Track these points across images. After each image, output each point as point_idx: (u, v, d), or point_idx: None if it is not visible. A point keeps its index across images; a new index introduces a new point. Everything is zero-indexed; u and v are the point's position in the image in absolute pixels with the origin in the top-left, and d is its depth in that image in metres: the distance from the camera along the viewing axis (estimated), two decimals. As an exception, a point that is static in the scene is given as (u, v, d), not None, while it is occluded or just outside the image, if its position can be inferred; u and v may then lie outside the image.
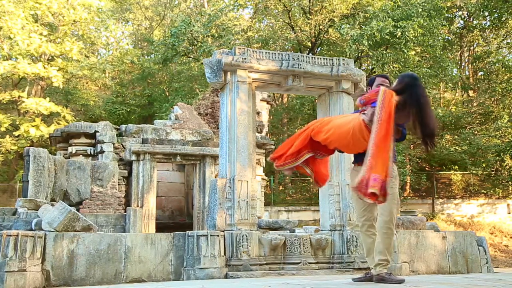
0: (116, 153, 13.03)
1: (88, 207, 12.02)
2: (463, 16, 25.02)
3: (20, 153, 19.30)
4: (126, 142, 13.17)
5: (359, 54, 19.24)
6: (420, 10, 17.49)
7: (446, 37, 23.31)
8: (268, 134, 20.17)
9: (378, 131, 3.77)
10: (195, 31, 22.26)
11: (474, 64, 25.53)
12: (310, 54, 21.15)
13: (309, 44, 23.64)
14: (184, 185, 15.40)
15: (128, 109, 26.79)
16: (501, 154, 20.63)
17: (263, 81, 7.70)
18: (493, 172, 21.86)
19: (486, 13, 22.59)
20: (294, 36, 22.95)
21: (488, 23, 23.60)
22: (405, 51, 17.44)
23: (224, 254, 6.73)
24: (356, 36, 17.49)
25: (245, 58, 7.31)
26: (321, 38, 22.84)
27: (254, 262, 6.77)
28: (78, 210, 11.28)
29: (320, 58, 7.88)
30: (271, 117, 22.78)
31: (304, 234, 7.56)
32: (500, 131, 21.73)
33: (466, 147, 21.44)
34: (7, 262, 5.49)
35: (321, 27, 21.99)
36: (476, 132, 22.35)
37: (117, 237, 6.44)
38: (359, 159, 4.16)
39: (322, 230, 7.85)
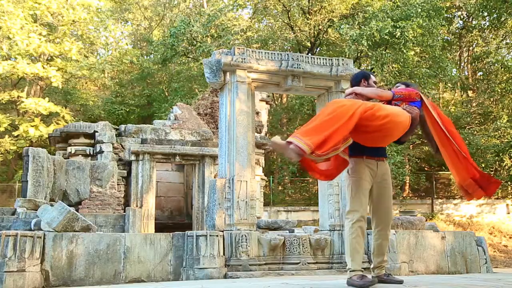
0: (115, 153, 13.03)
1: (87, 207, 12.02)
2: (462, 17, 25.03)
3: (19, 153, 19.29)
4: (125, 142, 13.16)
5: (359, 54, 19.25)
6: (419, 10, 17.50)
7: (445, 37, 23.34)
8: (268, 134, 20.16)
9: (455, 135, 3.97)
10: (194, 31, 22.27)
11: (473, 64, 25.55)
12: (310, 54, 21.16)
13: (309, 44, 23.65)
14: (183, 185, 15.40)
15: (127, 109, 26.79)
16: (500, 154, 20.63)
17: (262, 81, 7.70)
18: (492, 172, 21.85)
19: (485, 14, 22.59)
20: (294, 36, 22.96)
21: (487, 24, 23.60)
22: (404, 51, 17.45)
23: (223, 254, 6.73)
24: (356, 36, 17.49)
25: (244, 58, 7.30)
26: (321, 38, 22.84)
27: (253, 262, 6.77)
28: (77, 210, 11.27)
29: (320, 58, 7.88)
30: (270, 117, 22.79)
31: (304, 234, 7.56)
32: (499, 131, 21.73)
33: (465, 147, 21.41)
34: (6, 262, 5.48)
35: (320, 27, 22.00)
36: (475, 132, 22.34)
37: (116, 237, 6.44)
38: (372, 152, 4.04)
39: (321, 230, 7.85)
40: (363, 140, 3.93)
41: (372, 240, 4.15)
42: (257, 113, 15.17)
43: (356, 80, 4.29)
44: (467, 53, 26.56)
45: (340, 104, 3.78)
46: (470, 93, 25.83)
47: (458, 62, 26.17)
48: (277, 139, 3.65)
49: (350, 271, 3.88)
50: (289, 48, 23.66)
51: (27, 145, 18.46)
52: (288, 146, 3.48)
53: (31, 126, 19.18)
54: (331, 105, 3.82)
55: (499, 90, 22.67)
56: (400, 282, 3.97)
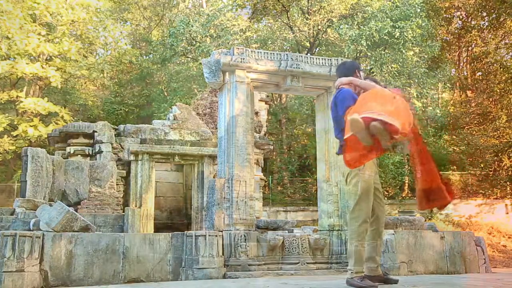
0: (114, 153, 13.02)
1: (86, 207, 12.00)
2: (461, 17, 25.06)
3: (18, 153, 19.26)
4: (124, 142, 13.16)
5: (358, 54, 19.26)
6: (419, 10, 17.53)
7: (445, 37, 23.35)
8: (267, 134, 20.16)
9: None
10: (194, 31, 22.26)
11: (472, 64, 25.57)
12: (309, 54, 21.15)
13: (308, 44, 23.65)
14: (182, 185, 15.38)
15: (127, 109, 26.78)
16: (499, 154, 20.66)
17: (262, 81, 7.70)
18: (491, 172, 21.87)
19: (484, 14, 22.65)
20: (293, 36, 22.96)
21: (486, 24, 23.64)
22: (403, 51, 17.47)
23: (223, 254, 6.73)
24: (355, 36, 17.51)
25: (243, 58, 7.30)
26: (320, 38, 22.85)
27: (252, 262, 6.77)
28: (76, 210, 11.25)
29: (319, 58, 7.88)
30: (270, 117, 22.78)
31: (303, 234, 7.56)
32: (498, 132, 21.74)
33: (464, 147, 21.45)
34: (5, 262, 5.47)
35: (319, 27, 22.00)
36: (474, 132, 22.36)
37: (115, 237, 6.43)
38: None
39: (320, 230, 7.85)
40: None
41: (369, 240, 4.11)
42: (256, 113, 15.16)
43: (350, 70, 4.23)
44: (466, 53, 26.57)
45: (392, 95, 3.80)
46: (469, 93, 25.84)
47: (457, 62, 26.20)
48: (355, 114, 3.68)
49: (351, 272, 3.87)
50: (288, 48, 23.65)
51: (26, 145, 18.44)
52: (371, 122, 3.55)
53: (30, 126, 19.16)
54: (385, 97, 3.79)
55: (498, 90, 22.69)
56: (395, 282, 3.98)
